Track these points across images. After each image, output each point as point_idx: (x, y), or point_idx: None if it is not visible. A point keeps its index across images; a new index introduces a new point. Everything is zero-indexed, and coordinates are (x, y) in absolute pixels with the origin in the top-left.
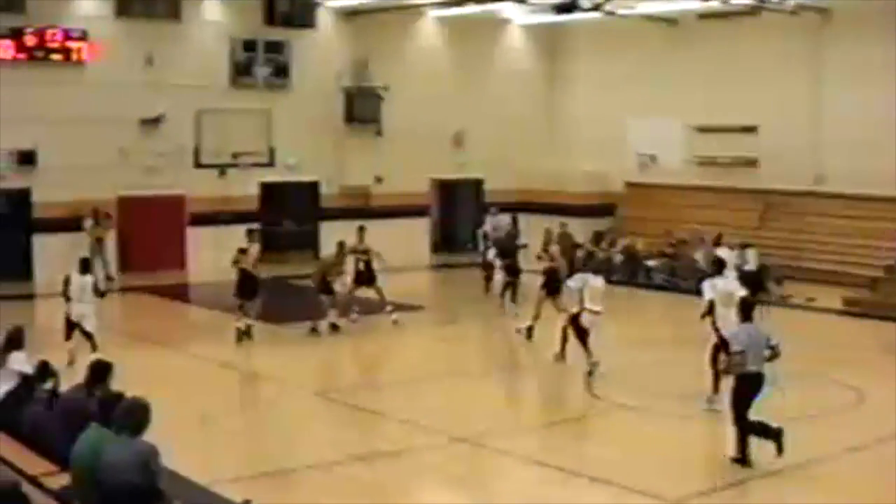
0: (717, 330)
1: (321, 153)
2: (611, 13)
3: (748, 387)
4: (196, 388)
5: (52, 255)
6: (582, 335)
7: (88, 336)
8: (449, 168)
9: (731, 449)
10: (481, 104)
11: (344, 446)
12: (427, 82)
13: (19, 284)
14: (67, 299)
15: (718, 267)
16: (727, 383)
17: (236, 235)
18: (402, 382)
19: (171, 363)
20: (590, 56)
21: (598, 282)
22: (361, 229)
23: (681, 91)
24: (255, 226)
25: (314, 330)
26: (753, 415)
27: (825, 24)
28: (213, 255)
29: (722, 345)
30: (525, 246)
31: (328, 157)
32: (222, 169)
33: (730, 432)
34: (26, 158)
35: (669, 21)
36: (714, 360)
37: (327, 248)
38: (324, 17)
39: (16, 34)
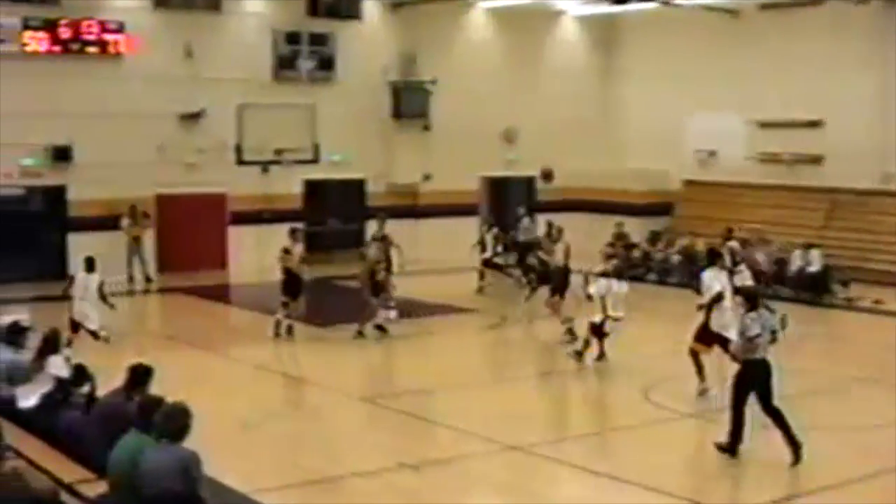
0: (708, 319)
1: (367, 149)
2: (669, 3)
3: (754, 373)
4: (238, 393)
5: (88, 254)
6: (600, 336)
7: (93, 335)
8: (499, 165)
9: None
10: (533, 98)
11: (391, 453)
12: (477, 76)
13: (54, 285)
14: (69, 298)
15: (712, 258)
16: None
17: (279, 235)
18: (450, 387)
19: (211, 367)
20: (646, 49)
21: (622, 287)
22: (382, 218)
23: (742, 85)
24: (298, 225)
25: (360, 333)
26: (789, 415)
27: (893, 14)
28: (254, 255)
29: (705, 333)
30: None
31: (374, 154)
32: (265, 166)
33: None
34: (62, 154)
35: (730, 12)
36: (695, 353)
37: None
38: (370, 8)
39: (50, 26)
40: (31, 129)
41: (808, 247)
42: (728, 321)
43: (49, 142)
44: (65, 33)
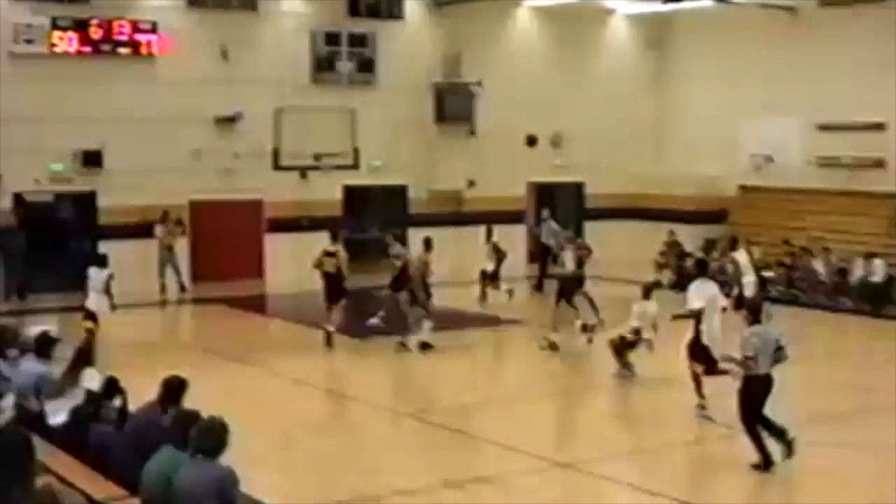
0: (698, 334)
1: (409, 154)
2: (725, 1)
3: (757, 389)
4: (275, 408)
5: (118, 263)
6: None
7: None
8: (547, 171)
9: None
10: (582, 101)
11: (434, 471)
12: (523, 78)
13: (84, 295)
14: (86, 293)
15: (700, 269)
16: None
17: (317, 243)
18: (496, 402)
19: (248, 380)
20: (700, 49)
21: (652, 308)
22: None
23: (800, 86)
24: (341, 227)
25: (402, 345)
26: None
27: None
28: (292, 263)
29: (695, 348)
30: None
31: (417, 159)
32: (303, 171)
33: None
34: (92, 159)
35: (789, 9)
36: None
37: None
38: (412, 7)
39: (80, 26)
40: (60, 133)
41: (869, 256)
42: (714, 336)
43: (79, 146)
44: (95, 33)
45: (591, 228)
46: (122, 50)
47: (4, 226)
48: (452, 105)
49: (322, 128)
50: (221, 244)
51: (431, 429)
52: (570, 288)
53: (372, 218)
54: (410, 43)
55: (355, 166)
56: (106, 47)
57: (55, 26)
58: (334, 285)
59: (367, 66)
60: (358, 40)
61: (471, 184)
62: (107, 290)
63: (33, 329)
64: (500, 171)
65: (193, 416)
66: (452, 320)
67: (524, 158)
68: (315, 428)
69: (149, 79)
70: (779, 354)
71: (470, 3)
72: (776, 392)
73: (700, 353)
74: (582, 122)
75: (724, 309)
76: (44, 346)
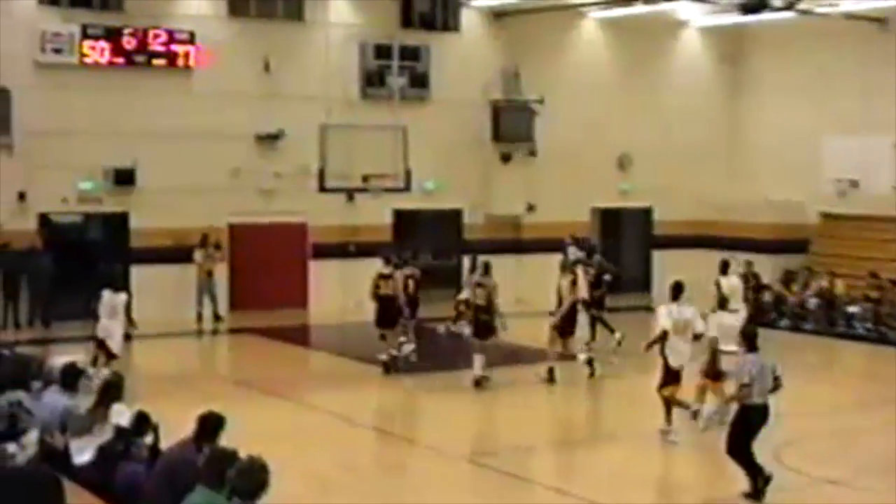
0: (665, 359)
1: (464, 176)
2: (807, 12)
3: (753, 419)
4: (318, 447)
5: (151, 290)
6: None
7: (109, 356)
8: (612, 195)
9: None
10: (651, 120)
11: None
12: (588, 94)
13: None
14: (97, 318)
15: (675, 292)
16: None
17: (365, 270)
18: (555, 443)
19: (289, 417)
20: (779, 63)
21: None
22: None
23: (888, 103)
24: (392, 252)
25: (478, 382)
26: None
27: None
28: (338, 292)
29: (668, 374)
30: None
31: (473, 182)
32: (350, 193)
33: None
34: (124, 178)
35: (877, 20)
36: (661, 388)
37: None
38: (469, 18)
39: (113, 35)
40: (90, 149)
41: None
42: (684, 359)
43: (110, 163)
44: (129, 43)
45: (659, 258)
46: (158, 61)
47: (29, 248)
48: (511, 123)
49: (371, 147)
50: (262, 270)
51: (485, 472)
52: (568, 318)
53: (424, 244)
54: (466, 56)
55: (407, 189)
56: (140, 58)
57: (86, 35)
58: (389, 309)
59: (420, 80)
60: (410, 53)
61: (530, 208)
62: (128, 318)
63: (59, 359)
64: (563, 194)
65: (231, 455)
66: (512, 354)
67: (588, 181)
68: (360, 470)
69: (186, 92)
70: (775, 383)
71: (531, 15)
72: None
73: (673, 377)
74: (650, 142)
75: (698, 336)
76: (70, 377)
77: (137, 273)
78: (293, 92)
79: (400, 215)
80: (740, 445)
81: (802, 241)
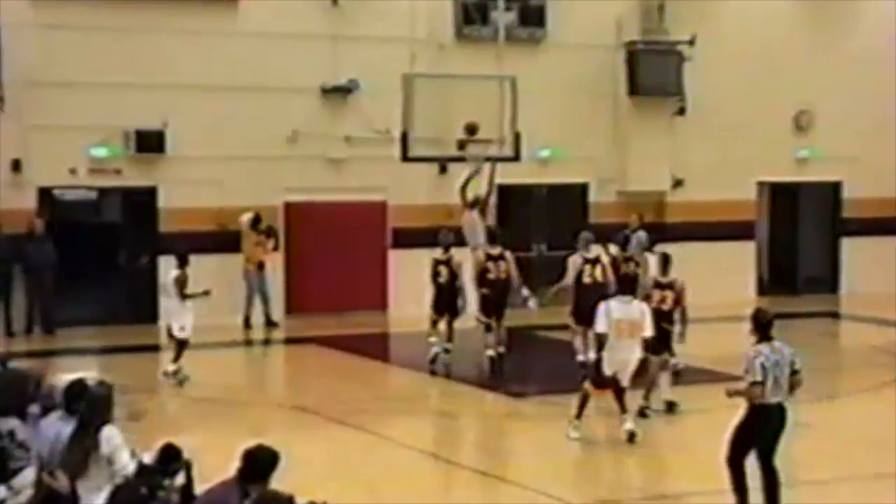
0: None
1: (591, 141)
2: None
3: (762, 421)
4: (394, 488)
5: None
6: None
7: (179, 344)
8: (787, 166)
9: None
10: (839, 68)
11: None
12: (754, 34)
13: (142, 330)
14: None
15: (619, 288)
16: None
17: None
18: (707, 493)
19: (358, 451)
20: None
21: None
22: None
23: None
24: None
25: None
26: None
27: None
28: (426, 291)
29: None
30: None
31: (601, 149)
32: (443, 164)
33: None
34: (151, 143)
35: None
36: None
37: None
38: None
39: None
40: (105, 105)
41: None
42: (623, 362)
43: (132, 124)
44: None
45: (849, 248)
46: None
47: (26, 232)
48: (652, 72)
49: (469, 104)
50: (328, 263)
51: None
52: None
53: (536, 229)
54: None
55: (516, 158)
56: None
57: None
58: (446, 297)
59: (533, 16)
60: None
61: (677, 183)
62: (182, 295)
63: (63, 377)
64: (720, 165)
65: (285, 501)
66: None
67: (755, 148)
68: None
69: (230, 33)
70: (794, 379)
71: None
72: None
73: (604, 381)
74: (839, 97)
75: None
76: (77, 399)
77: (167, 265)
78: (368, 33)
79: (505, 191)
80: (741, 453)
81: None
